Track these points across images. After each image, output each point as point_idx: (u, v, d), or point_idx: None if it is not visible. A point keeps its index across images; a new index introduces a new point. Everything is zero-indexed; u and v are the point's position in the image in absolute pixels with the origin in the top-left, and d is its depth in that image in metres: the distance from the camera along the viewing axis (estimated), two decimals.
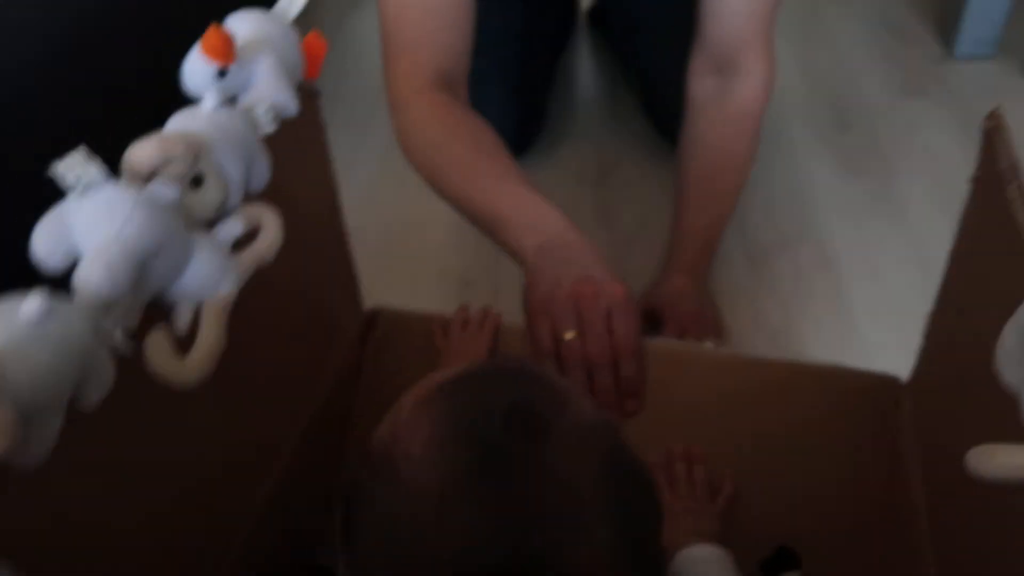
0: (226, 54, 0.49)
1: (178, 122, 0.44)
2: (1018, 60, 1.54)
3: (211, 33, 0.48)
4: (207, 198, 0.42)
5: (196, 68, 0.49)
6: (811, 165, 1.18)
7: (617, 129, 1.26)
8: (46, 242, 0.36)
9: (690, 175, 0.92)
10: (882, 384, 0.62)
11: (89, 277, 0.35)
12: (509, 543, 0.30)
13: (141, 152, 0.37)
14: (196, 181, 0.42)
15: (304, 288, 0.60)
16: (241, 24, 0.54)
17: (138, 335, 0.38)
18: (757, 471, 0.62)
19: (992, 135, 0.44)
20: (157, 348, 0.39)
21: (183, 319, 0.40)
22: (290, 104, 0.52)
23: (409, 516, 0.31)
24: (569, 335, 0.64)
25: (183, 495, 0.47)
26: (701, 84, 0.91)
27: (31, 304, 0.32)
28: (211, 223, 0.43)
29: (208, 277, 0.41)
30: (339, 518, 0.35)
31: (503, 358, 0.62)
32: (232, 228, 0.43)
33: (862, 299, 0.97)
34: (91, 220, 0.36)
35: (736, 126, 0.89)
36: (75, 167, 0.36)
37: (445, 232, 1.10)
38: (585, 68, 1.39)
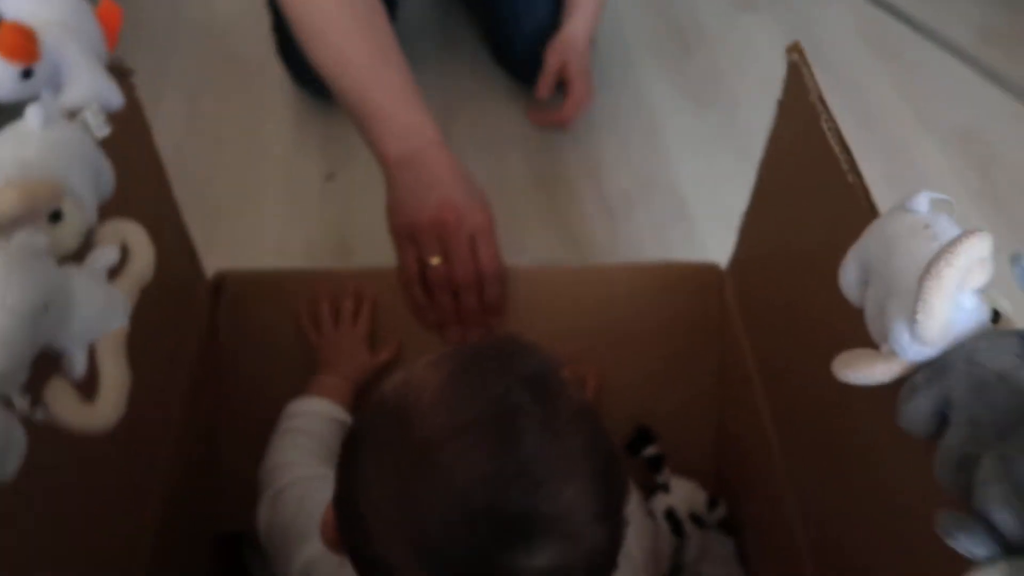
0: (30, 52, 0.44)
1: (7, 147, 0.40)
2: None
3: (8, 30, 0.43)
4: (70, 231, 0.39)
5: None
6: (659, 99, 1.19)
7: (455, 66, 1.20)
8: None
9: None
10: (706, 271, 0.71)
11: None
12: (510, 486, 0.34)
13: (4, 201, 0.34)
14: (55, 216, 0.38)
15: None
16: (24, 3, 0.48)
17: (31, 391, 0.36)
18: (613, 364, 0.70)
19: (797, 66, 0.50)
20: (62, 401, 0.37)
21: (79, 364, 0.38)
22: (114, 97, 0.47)
23: (415, 455, 0.35)
24: (435, 260, 0.67)
25: (87, 500, 0.46)
26: None
27: None
28: (77, 253, 0.40)
29: (97, 316, 0.38)
30: (339, 460, 0.39)
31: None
32: (107, 256, 0.40)
33: (716, 248, 0.96)
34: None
35: None
36: None
37: (277, 190, 1.04)
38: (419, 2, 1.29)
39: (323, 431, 0.58)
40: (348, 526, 0.38)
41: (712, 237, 0.98)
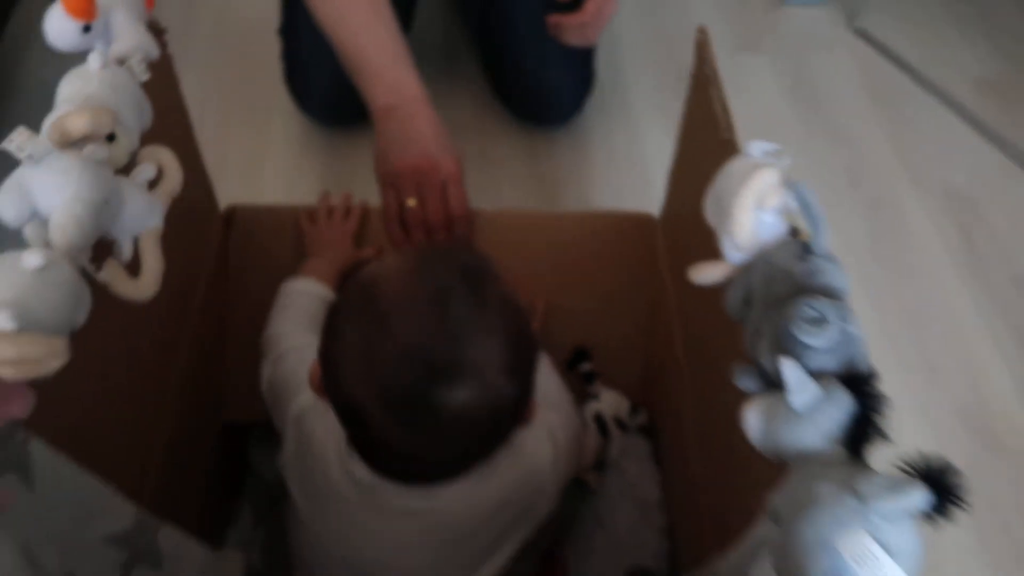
0: (90, 12, 0.56)
1: (74, 84, 0.52)
2: (844, 8, 1.55)
3: None
4: (120, 150, 0.51)
5: (62, 27, 0.55)
6: (656, 138, 1.22)
7: (456, 102, 1.23)
8: (12, 206, 0.45)
9: None
10: (643, 220, 0.83)
11: (65, 231, 0.45)
12: (439, 342, 0.46)
13: (77, 122, 0.46)
14: (110, 137, 0.51)
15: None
16: None
17: (95, 267, 0.49)
18: (560, 296, 0.82)
19: (702, 46, 0.62)
20: (115, 276, 0.50)
21: (127, 250, 0.51)
22: (153, 49, 0.60)
23: (375, 321, 0.47)
24: (411, 203, 0.79)
25: (128, 362, 0.59)
26: None
27: (34, 258, 0.42)
28: (125, 169, 0.53)
29: (140, 215, 0.51)
30: (324, 325, 0.51)
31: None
32: (147, 171, 0.53)
33: None
34: (50, 184, 0.45)
35: None
36: (24, 142, 0.45)
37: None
38: (426, 34, 1.31)
39: (311, 307, 0.71)
40: (327, 375, 0.51)
41: None
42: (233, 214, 0.82)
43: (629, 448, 0.77)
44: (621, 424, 0.77)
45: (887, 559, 0.35)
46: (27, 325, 0.41)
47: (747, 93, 1.35)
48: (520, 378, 0.50)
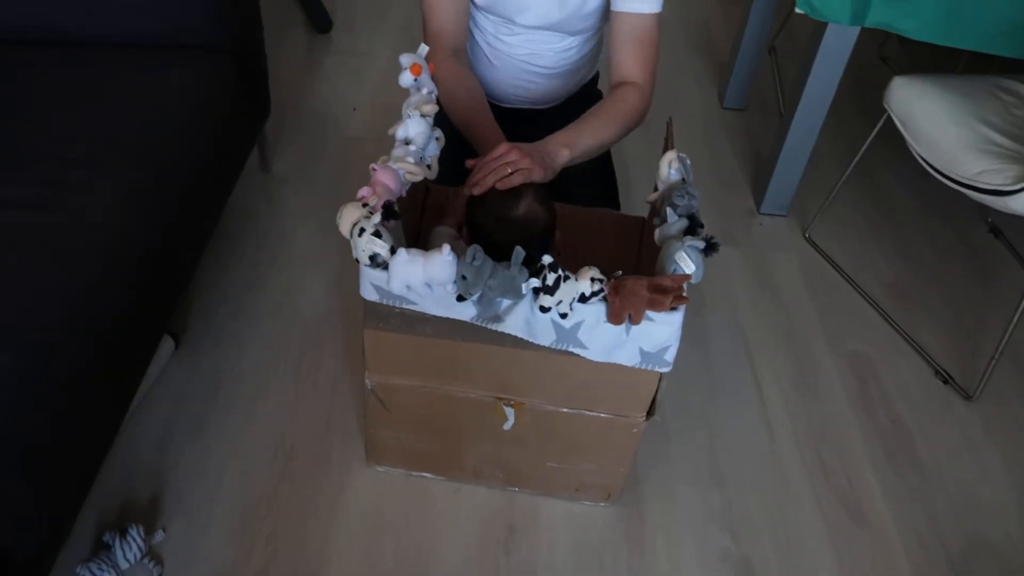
0: (420, 73, 1.38)
1: (415, 98, 1.33)
2: (800, 222, 2.03)
3: (414, 66, 1.37)
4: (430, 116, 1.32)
5: (407, 77, 1.37)
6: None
7: None
8: (414, 128, 1.25)
9: (589, 116, 1.42)
10: (638, 219, 1.60)
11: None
12: (512, 197, 1.23)
13: (427, 107, 1.27)
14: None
15: None
16: (408, 57, 1.42)
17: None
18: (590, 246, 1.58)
19: (669, 127, 1.41)
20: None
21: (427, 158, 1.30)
22: (433, 90, 1.41)
23: (485, 208, 1.25)
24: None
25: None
26: (614, 87, 1.48)
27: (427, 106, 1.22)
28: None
29: (432, 145, 1.31)
30: (467, 218, 1.31)
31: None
32: (438, 132, 1.32)
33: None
34: (424, 130, 1.25)
35: (624, 111, 1.44)
36: (427, 110, 1.25)
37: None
38: None
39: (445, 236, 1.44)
40: (470, 223, 1.29)
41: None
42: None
43: None
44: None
45: (688, 261, 1.10)
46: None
47: (724, 273, 1.87)
48: (548, 209, 1.25)
